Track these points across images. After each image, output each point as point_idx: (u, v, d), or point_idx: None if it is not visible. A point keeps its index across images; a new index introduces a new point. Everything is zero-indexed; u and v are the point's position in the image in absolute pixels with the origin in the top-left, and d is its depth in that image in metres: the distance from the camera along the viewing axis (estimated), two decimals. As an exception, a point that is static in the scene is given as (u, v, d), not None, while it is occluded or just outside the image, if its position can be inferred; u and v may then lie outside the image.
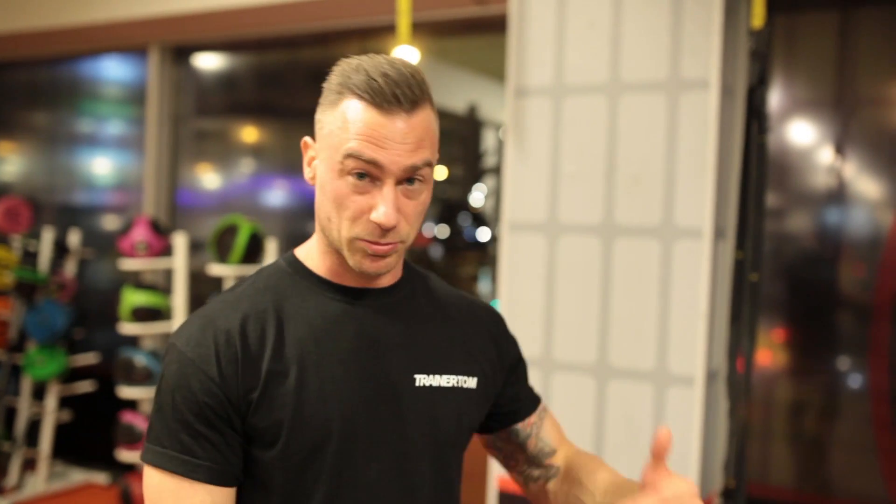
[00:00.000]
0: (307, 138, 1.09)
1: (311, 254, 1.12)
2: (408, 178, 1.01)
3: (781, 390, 2.89)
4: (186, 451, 0.99)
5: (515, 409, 1.28)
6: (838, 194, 2.74)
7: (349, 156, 0.99)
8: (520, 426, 1.29)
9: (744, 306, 2.43)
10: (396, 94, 0.98)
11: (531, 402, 1.31)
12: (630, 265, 2.60)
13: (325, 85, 1.06)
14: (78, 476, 4.13)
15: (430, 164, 1.03)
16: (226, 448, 1.01)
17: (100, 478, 4.09)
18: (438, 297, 1.21)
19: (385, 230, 1.01)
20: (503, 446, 1.30)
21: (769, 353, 2.87)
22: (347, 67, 1.03)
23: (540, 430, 1.30)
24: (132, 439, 3.47)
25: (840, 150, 2.72)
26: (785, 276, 2.87)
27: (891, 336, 2.66)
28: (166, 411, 1.01)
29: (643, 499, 0.98)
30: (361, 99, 0.99)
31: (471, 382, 1.16)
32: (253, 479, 1.05)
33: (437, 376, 1.12)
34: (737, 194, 2.51)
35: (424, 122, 1.02)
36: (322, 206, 1.05)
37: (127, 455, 3.48)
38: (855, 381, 2.75)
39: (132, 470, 3.70)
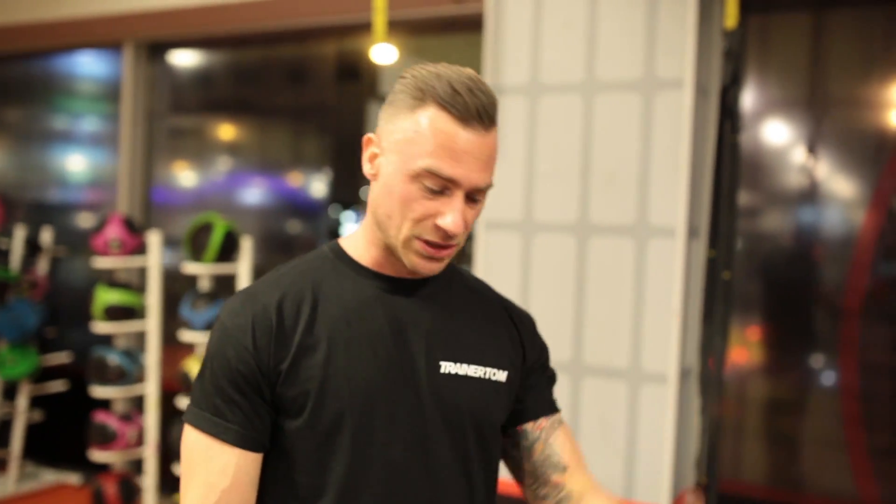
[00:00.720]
0: (370, 134, 1.13)
1: (355, 244, 1.18)
2: (472, 195, 1.08)
3: (755, 388, 2.92)
4: (219, 414, 1.08)
5: (530, 407, 1.26)
6: (811, 193, 2.77)
7: (428, 171, 1.04)
8: (529, 427, 1.26)
9: (716, 304, 2.45)
10: (479, 112, 1.04)
11: (547, 405, 1.29)
12: (604, 264, 2.61)
13: (396, 87, 1.10)
14: (49, 477, 4.08)
15: (491, 187, 1.10)
16: (254, 415, 1.08)
17: (72, 478, 4.04)
18: (473, 292, 1.26)
19: (450, 236, 1.07)
20: (514, 454, 1.28)
21: (743, 351, 2.89)
22: (427, 74, 1.07)
23: (550, 438, 1.26)
24: (105, 439, 3.44)
25: (812, 149, 2.75)
26: (759, 274, 2.89)
27: (861, 334, 2.69)
28: (206, 376, 1.10)
29: None
30: (445, 110, 1.04)
31: (500, 375, 1.19)
32: (279, 449, 1.11)
33: (464, 365, 1.16)
34: (710, 193, 2.53)
35: (494, 143, 1.08)
36: (383, 203, 1.09)
37: (99, 455, 3.45)
38: (827, 378, 2.78)
39: (104, 470, 3.66)
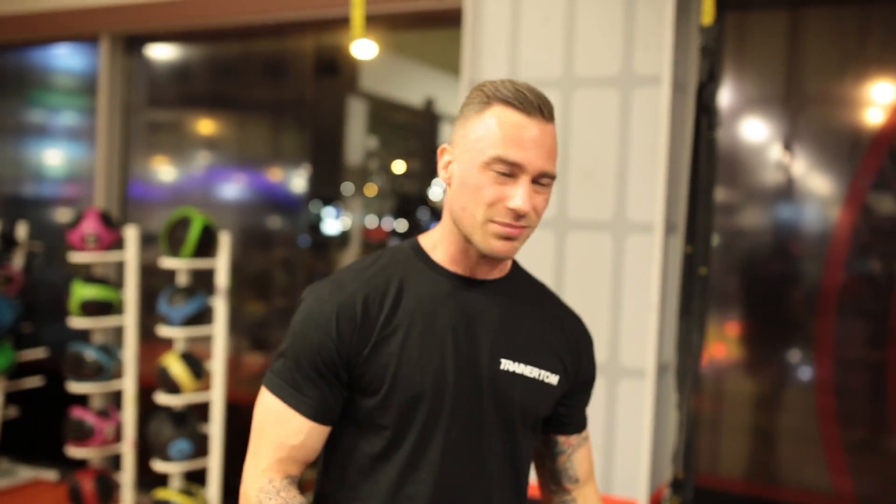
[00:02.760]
0: (445, 145, 1.26)
1: (433, 242, 1.29)
2: (538, 179, 1.18)
3: (732, 382, 2.94)
4: (297, 387, 1.20)
5: (566, 423, 1.39)
6: (787, 190, 2.79)
7: (497, 158, 1.16)
8: (560, 439, 1.39)
9: (693, 300, 2.46)
10: (538, 105, 1.17)
11: (580, 423, 1.41)
12: (583, 259, 2.62)
13: (465, 101, 1.23)
14: (26, 473, 4.05)
15: (553, 177, 1.20)
16: (328, 393, 1.21)
17: (49, 475, 4.01)
18: (540, 299, 1.35)
19: (520, 215, 1.17)
20: (542, 450, 1.42)
21: (722, 346, 2.91)
22: (490, 84, 1.20)
23: (574, 454, 1.40)
24: (82, 435, 3.41)
25: (789, 146, 2.77)
26: (736, 270, 2.92)
27: (836, 329, 2.72)
28: (288, 351, 1.22)
29: None
30: (509, 105, 1.17)
31: (552, 379, 1.29)
32: (353, 421, 1.24)
33: (522, 365, 1.26)
34: (687, 189, 2.54)
35: (553, 135, 1.20)
36: (458, 198, 1.20)
37: (76, 451, 3.42)
38: (804, 373, 2.81)
39: (82, 466, 3.64)
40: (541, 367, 1.28)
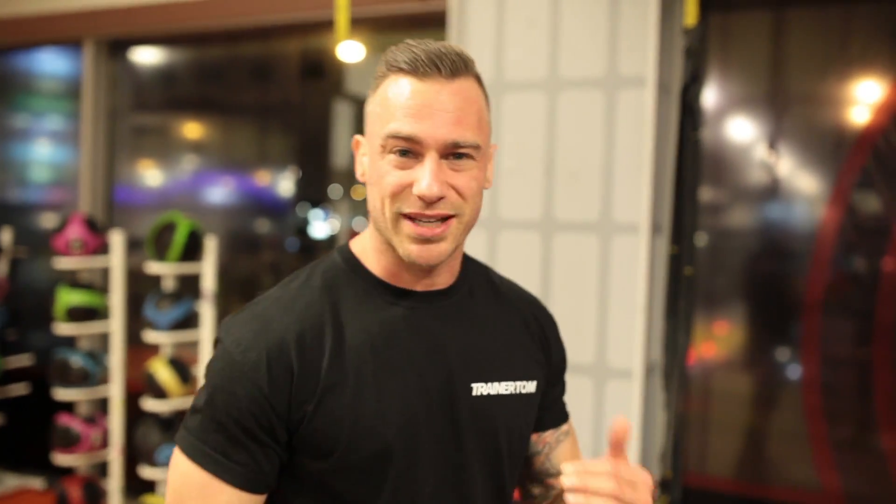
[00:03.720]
0: (357, 136, 1.06)
1: (367, 250, 1.08)
2: (453, 152, 0.98)
3: (720, 381, 2.95)
4: (221, 451, 0.97)
5: (538, 419, 1.20)
6: (772, 189, 2.80)
7: (390, 136, 0.97)
8: (534, 439, 1.21)
9: (680, 300, 2.47)
10: (435, 62, 0.96)
11: (556, 417, 1.24)
12: (569, 260, 2.62)
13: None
14: (12, 481, 4.01)
15: (476, 147, 0.98)
16: (262, 457, 0.98)
17: (35, 482, 3.98)
18: (496, 294, 1.17)
19: (428, 202, 0.96)
20: None
21: (710, 346, 2.92)
22: (391, 51, 1.00)
23: (552, 452, 1.23)
24: (68, 442, 3.39)
25: (773, 146, 2.78)
26: (723, 270, 2.92)
27: (822, 328, 2.73)
28: (207, 408, 0.99)
29: (600, 463, 0.95)
30: (400, 71, 0.97)
31: (530, 387, 1.13)
32: (302, 489, 1.02)
33: (496, 384, 1.09)
34: (672, 190, 2.55)
35: (467, 91, 0.98)
36: (371, 196, 1.02)
37: (63, 458, 3.40)
38: (791, 371, 2.82)
39: (68, 474, 3.61)
40: (515, 378, 1.11)
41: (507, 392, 1.10)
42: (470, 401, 1.06)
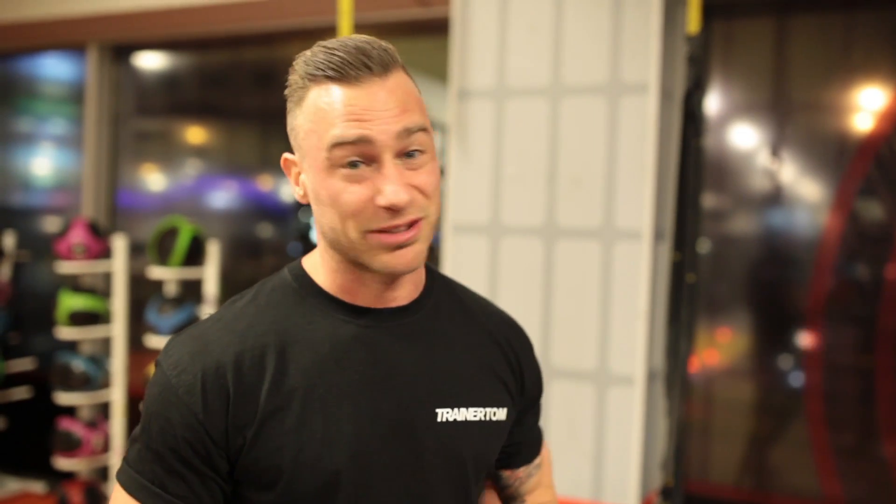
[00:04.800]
0: (286, 155, 0.98)
1: (320, 269, 0.99)
2: (405, 150, 0.90)
3: (722, 388, 2.94)
4: (158, 483, 0.91)
5: (511, 454, 1.14)
6: (775, 196, 2.80)
7: (334, 145, 0.88)
8: (506, 474, 1.16)
9: (682, 307, 2.46)
10: (363, 61, 0.88)
11: (530, 453, 1.17)
12: (571, 267, 2.62)
13: (287, 90, 0.95)
14: (13, 485, 4.01)
15: (424, 129, 0.91)
16: (200, 487, 0.91)
17: (36, 486, 3.98)
18: (464, 312, 1.07)
19: (397, 210, 0.89)
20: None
21: (713, 353, 2.92)
22: (303, 57, 0.93)
23: (523, 485, 1.17)
24: (69, 446, 3.39)
25: (776, 153, 2.78)
26: (725, 276, 2.92)
27: (824, 335, 2.73)
28: (144, 436, 0.92)
29: None
30: (328, 79, 0.89)
31: (500, 414, 1.05)
32: None
33: (463, 409, 1.00)
34: (674, 197, 2.55)
35: (402, 85, 0.91)
36: (322, 217, 0.93)
37: (64, 463, 3.39)
38: (793, 379, 2.82)
39: (70, 478, 3.61)
40: (485, 404, 1.02)
41: (476, 419, 1.01)
42: (434, 427, 0.97)
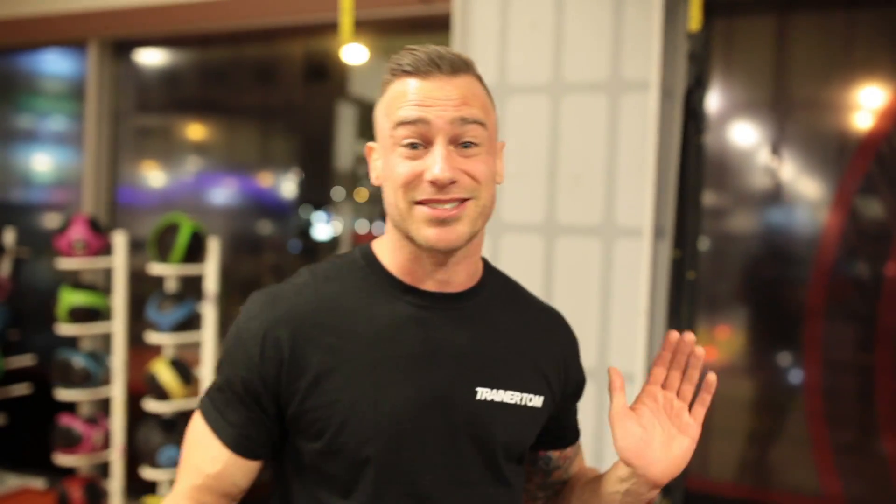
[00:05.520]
0: (370, 143, 1.10)
1: (386, 249, 1.10)
2: (460, 139, 1.00)
3: (722, 386, 2.94)
4: (219, 409, 1.06)
5: (560, 437, 1.24)
6: (775, 194, 2.80)
7: (397, 124, 1.00)
8: (555, 455, 1.24)
9: (682, 304, 2.47)
10: (435, 61, 1.01)
11: (574, 434, 1.27)
12: (572, 264, 2.62)
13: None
14: (14, 481, 4.02)
15: (481, 123, 1.01)
16: (249, 423, 1.04)
17: (36, 483, 3.99)
18: (516, 307, 1.17)
19: (442, 186, 0.98)
20: (528, 468, 1.25)
21: (712, 350, 2.92)
22: (393, 56, 1.05)
23: (570, 466, 1.27)
24: (70, 443, 3.39)
25: (777, 150, 2.78)
26: (725, 273, 2.92)
27: (824, 333, 2.73)
28: (218, 368, 1.09)
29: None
30: (404, 73, 1.02)
31: (536, 401, 1.12)
32: (302, 468, 1.06)
33: (501, 391, 1.08)
34: (675, 194, 2.55)
35: (469, 85, 1.03)
36: (386, 195, 1.04)
37: (64, 459, 3.40)
38: (793, 376, 2.82)
39: (70, 474, 3.61)
40: (523, 390, 1.10)
41: (512, 402, 1.09)
42: (473, 404, 1.06)
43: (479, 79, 1.06)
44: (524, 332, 1.15)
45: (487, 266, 1.17)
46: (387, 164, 1.03)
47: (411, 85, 1.01)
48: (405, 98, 1.01)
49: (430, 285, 1.08)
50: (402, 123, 1.00)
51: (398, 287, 1.07)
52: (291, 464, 1.08)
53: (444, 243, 1.01)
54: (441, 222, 1.00)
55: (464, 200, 1.01)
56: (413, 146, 1.00)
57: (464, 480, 1.07)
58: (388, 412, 1.01)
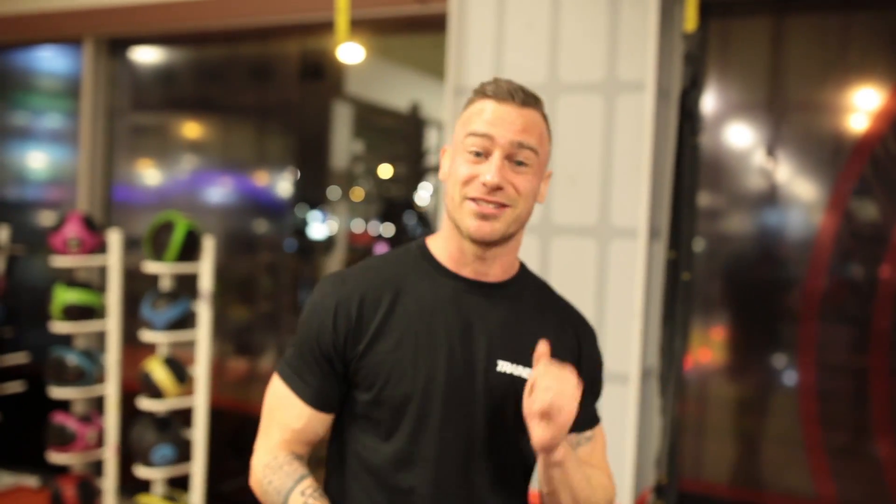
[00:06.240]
0: (445, 146, 1.32)
1: (438, 241, 1.33)
2: (514, 156, 1.22)
3: (717, 387, 2.95)
4: (299, 373, 1.29)
5: None
6: (771, 196, 2.81)
7: (469, 134, 1.23)
8: None
9: (677, 305, 2.47)
10: (511, 92, 1.24)
11: (580, 421, 1.31)
12: (567, 264, 2.62)
13: None
14: (7, 479, 4.01)
15: (534, 150, 1.23)
16: (324, 381, 1.28)
17: (30, 481, 3.98)
18: (544, 301, 1.36)
19: (491, 189, 1.20)
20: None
21: (707, 351, 2.92)
22: (482, 84, 1.28)
23: (576, 451, 1.33)
24: (64, 441, 3.38)
25: (772, 152, 2.79)
26: (721, 275, 2.93)
27: (818, 335, 2.74)
28: (296, 340, 1.31)
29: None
30: (485, 96, 1.25)
31: None
32: (354, 415, 1.29)
33: (520, 367, 1.27)
34: (670, 195, 2.55)
35: (533, 117, 1.25)
36: (447, 189, 1.26)
37: (58, 457, 3.39)
38: (787, 378, 2.82)
39: (63, 472, 3.61)
40: None
41: (528, 377, 1.23)
42: (492, 374, 1.26)
43: (544, 115, 1.28)
44: (547, 322, 1.33)
45: (524, 268, 1.37)
46: (453, 164, 1.26)
47: (488, 107, 1.24)
48: (481, 116, 1.24)
49: (469, 273, 1.29)
50: (472, 134, 1.23)
51: (443, 272, 1.30)
52: (347, 414, 1.30)
53: (481, 234, 1.22)
54: (483, 217, 1.22)
55: (504, 206, 1.22)
56: (477, 154, 1.23)
57: (475, 437, 1.26)
58: (425, 372, 1.24)
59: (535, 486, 1.33)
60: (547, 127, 1.29)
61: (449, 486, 1.25)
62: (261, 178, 4.09)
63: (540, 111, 1.27)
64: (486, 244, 1.25)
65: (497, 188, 1.21)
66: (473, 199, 1.22)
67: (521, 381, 1.26)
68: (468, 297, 1.28)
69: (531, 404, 1.14)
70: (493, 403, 1.26)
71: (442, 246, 1.31)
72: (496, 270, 1.30)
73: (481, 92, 1.27)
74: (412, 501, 1.25)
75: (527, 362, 1.27)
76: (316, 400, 1.29)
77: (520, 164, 1.23)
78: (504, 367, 1.27)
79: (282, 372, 1.32)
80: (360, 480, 1.28)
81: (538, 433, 1.15)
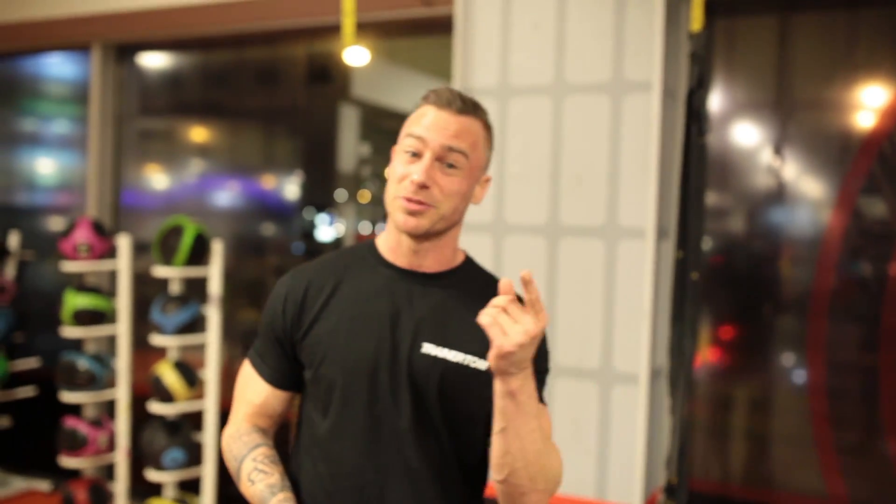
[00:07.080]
0: (395, 146, 1.39)
1: (383, 236, 1.42)
2: (446, 159, 1.30)
3: (726, 386, 2.95)
4: (260, 354, 1.45)
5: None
6: (778, 194, 2.80)
7: (407, 135, 1.32)
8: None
9: (685, 305, 2.47)
10: (449, 100, 1.32)
11: None
12: (575, 265, 2.62)
13: None
14: (19, 483, 4.03)
15: (464, 154, 1.31)
16: (279, 361, 1.42)
17: (42, 485, 4.00)
18: (481, 293, 1.34)
19: (418, 187, 1.28)
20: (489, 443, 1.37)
21: (715, 350, 2.92)
22: (428, 90, 1.36)
23: None
24: (75, 445, 3.40)
25: (779, 151, 2.78)
26: (729, 274, 2.92)
27: (828, 333, 2.73)
28: (260, 323, 1.45)
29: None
30: (427, 103, 1.35)
31: (480, 364, 1.33)
32: (306, 394, 1.42)
33: (445, 349, 1.33)
34: (678, 195, 2.55)
35: (468, 124, 1.33)
36: (387, 186, 1.35)
37: (69, 461, 3.41)
38: (797, 376, 2.82)
39: (75, 476, 3.62)
40: (467, 351, 1.33)
41: (455, 360, 1.33)
42: (416, 355, 1.33)
43: (485, 123, 1.37)
44: (480, 310, 1.24)
45: (469, 262, 1.46)
46: (393, 163, 1.35)
47: (429, 112, 1.33)
48: (420, 120, 1.33)
49: (404, 263, 1.38)
50: (410, 135, 1.32)
51: (382, 263, 1.40)
52: (304, 393, 1.42)
53: (408, 228, 1.31)
54: (410, 213, 1.30)
55: (427, 205, 1.30)
56: (413, 154, 1.31)
57: (399, 416, 1.32)
58: (354, 354, 1.34)
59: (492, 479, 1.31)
60: (487, 134, 1.37)
61: (380, 458, 1.33)
62: (268, 182, 4.10)
63: (479, 119, 1.35)
64: (417, 237, 1.34)
65: (423, 187, 1.28)
66: (403, 198, 1.30)
67: (445, 364, 1.32)
68: (401, 285, 1.37)
69: (486, 315, 1.15)
70: (415, 383, 1.32)
71: (384, 239, 1.41)
72: (430, 262, 1.38)
73: (426, 98, 1.36)
74: (347, 472, 1.34)
75: (452, 345, 1.33)
76: (273, 378, 1.43)
77: (450, 166, 1.31)
78: (428, 349, 1.33)
79: (249, 355, 1.47)
80: (310, 453, 1.39)
81: (497, 342, 1.13)
